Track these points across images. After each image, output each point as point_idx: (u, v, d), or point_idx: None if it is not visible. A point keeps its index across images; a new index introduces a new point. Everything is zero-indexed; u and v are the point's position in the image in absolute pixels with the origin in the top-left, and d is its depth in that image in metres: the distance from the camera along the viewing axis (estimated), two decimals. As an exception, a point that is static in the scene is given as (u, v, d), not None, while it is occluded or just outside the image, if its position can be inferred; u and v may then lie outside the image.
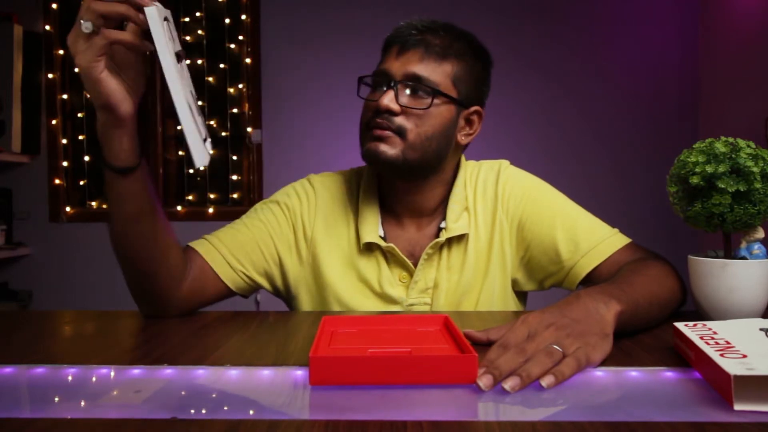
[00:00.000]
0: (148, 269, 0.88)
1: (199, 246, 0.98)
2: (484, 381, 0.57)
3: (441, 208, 1.04)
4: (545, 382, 0.57)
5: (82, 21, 0.70)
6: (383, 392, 0.57)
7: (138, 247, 0.86)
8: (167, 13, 0.72)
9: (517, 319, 0.67)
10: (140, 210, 0.84)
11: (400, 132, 0.94)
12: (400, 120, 0.94)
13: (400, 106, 0.94)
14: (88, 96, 0.77)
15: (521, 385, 0.57)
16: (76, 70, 0.75)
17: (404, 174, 0.98)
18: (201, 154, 0.74)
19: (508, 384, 0.56)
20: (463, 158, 1.08)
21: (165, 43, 0.69)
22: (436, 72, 0.95)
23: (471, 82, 1.00)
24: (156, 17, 0.68)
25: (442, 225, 1.02)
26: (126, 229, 0.85)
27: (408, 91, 0.95)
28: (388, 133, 0.94)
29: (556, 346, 0.62)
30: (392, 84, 0.95)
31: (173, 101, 0.70)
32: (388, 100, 0.93)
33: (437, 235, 1.02)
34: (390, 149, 0.94)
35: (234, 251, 0.99)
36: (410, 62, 0.95)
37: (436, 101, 0.95)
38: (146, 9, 0.68)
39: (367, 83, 1.01)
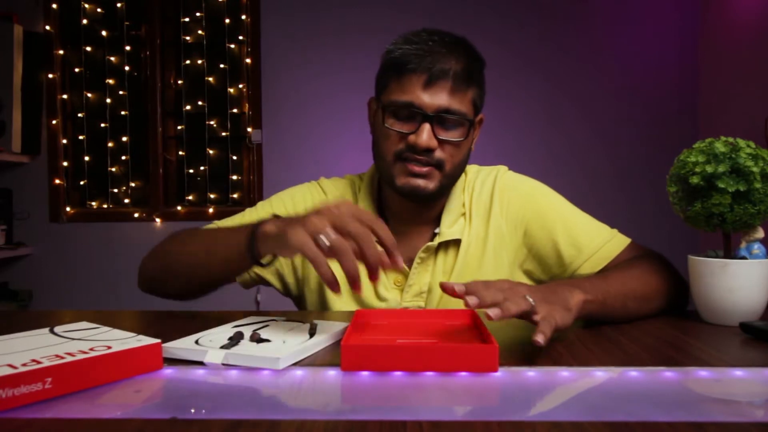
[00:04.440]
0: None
1: None
2: (471, 301, 0.65)
3: (440, 214, 1.05)
4: (538, 337, 0.64)
5: (323, 236, 0.68)
6: (383, 392, 0.57)
7: (207, 279, 0.92)
8: None
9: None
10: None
11: (439, 165, 0.95)
12: (438, 154, 0.95)
13: (437, 140, 0.94)
14: (280, 251, 0.75)
15: (501, 316, 0.64)
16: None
17: (436, 199, 1.01)
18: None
19: (493, 312, 0.64)
20: None
21: None
22: (464, 102, 0.95)
23: (482, 95, 1.01)
24: None
25: (437, 230, 1.03)
26: (215, 279, 0.91)
27: (442, 125, 0.94)
28: (427, 169, 0.95)
29: (529, 298, 0.68)
30: (426, 119, 0.93)
31: None
32: (427, 137, 0.92)
33: (432, 239, 1.03)
34: (430, 183, 0.96)
35: None
36: (440, 95, 0.93)
37: (467, 130, 0.96)
38: None
39: (393, 112, 0.96)
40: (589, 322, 0.84)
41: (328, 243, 0.67)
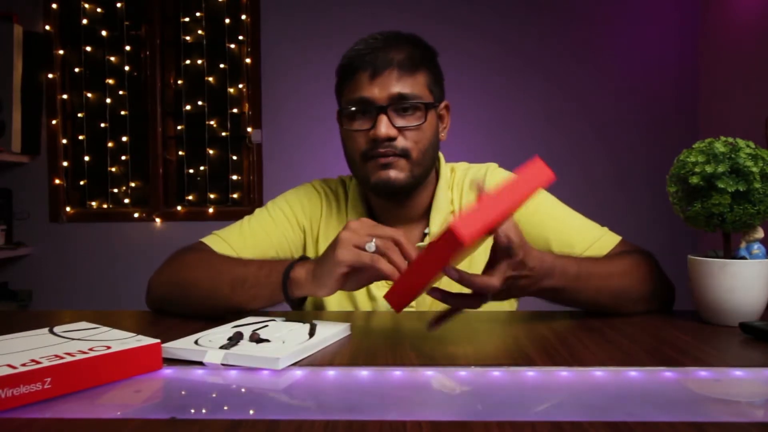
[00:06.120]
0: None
1: (211, 242, 1.01)
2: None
3: (428, 212, 1.05)
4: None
5: (369, 245, 0.76)
6: (383, 392, 0.57)
7: (225, 310, 0.89)
8: None
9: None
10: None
11: (405, 153, 0.96)
12: (400, 142, 0.95)
13: (396, 128, 0.94)
14: (316, 291, 0.80)
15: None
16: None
17: (411, 191, 1.00)
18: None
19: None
20: (442, 158, 1.09)
21: None
22: (415, 85, 0.96)
23: (437, 81, 1.01)
24: None
25: (427, 230, 1.04)
26: (238, 310, 0.87)
27: (398, 113, 0.95)
28: (393, 158, 0.95)
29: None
30: (380, 110, 0.94)
31: None
32: (385, 127, 0.93)
33: (422, 240, 1.03)
34: (400, 173, 0.96)
35: (247, 250, 1.01)
36: (389, 83, 0.94)
37: (424, 113, 0.96)
38: None
39: (348, 114, 0.97)
40: (590, 322, 0.84)
41: (373, 248, 0.75)
